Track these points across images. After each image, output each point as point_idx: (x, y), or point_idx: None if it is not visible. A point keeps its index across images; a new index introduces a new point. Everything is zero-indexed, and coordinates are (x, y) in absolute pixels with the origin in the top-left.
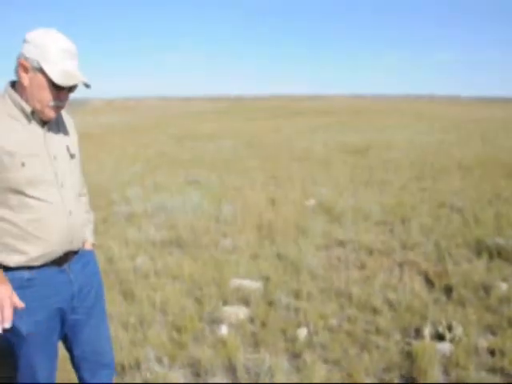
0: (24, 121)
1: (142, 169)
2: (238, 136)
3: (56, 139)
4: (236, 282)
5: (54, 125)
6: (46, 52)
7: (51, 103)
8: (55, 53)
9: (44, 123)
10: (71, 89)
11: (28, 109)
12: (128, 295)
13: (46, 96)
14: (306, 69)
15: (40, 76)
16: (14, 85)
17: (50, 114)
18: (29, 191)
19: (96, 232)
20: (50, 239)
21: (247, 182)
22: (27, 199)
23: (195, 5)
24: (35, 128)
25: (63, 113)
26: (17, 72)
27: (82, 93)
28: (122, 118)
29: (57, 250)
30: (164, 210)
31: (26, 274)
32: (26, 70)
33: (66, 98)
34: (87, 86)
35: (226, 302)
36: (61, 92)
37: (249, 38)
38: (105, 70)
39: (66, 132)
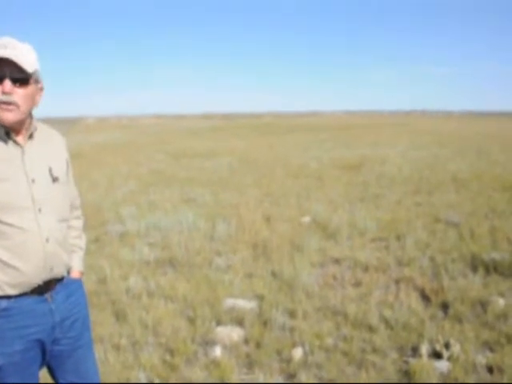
0: (1, 143)
1: (136, 187)
2: (233, 153)
3: (36, 161)
4: (230, 301)
5: (36, 145)
6: None
7: None
8: None
9: (23, 141)
10: (16, 81)
11: (1, 128)
12: (120, 316)
13: None
14: (298, 86)
15: None
16: None
17: (2, 114)
18: (2, 217)
19: (88, 252)
20: (26, 268)
21: (242, 200)
22: (0, 226)
23: (187, 20)
24: (12, 150)
25: (52, 132)
26: None
27: (75, 111)
28: (115, 135)
29: (33, 279)
30: (158, 229)
31: (2, 302)
32: None
33: (15, 93)
34: (24, 72)
35: (219, 323)
36: (4, 84)
37: (242, 56)
38: (97, 88)
39: (50, 153)
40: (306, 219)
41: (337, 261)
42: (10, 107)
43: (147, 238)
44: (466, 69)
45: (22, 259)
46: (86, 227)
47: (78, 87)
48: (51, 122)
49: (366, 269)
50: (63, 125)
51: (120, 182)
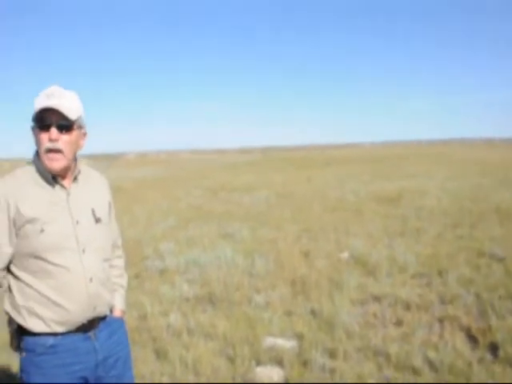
0: (47, 186)
1: (175, 222)
2: (271, 187)
3: (80, 203)
4: (269, 340)
5: (80, 187)
6: (34, 105)
7: (44, 147)
8: (39, 99)
9: (68, 184)
10: (62, 128)
11: (49, 173)
12: (161, 354)
13: (40, 143)
14: (335, 117)
15: (35, 128)
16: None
17: (48, 162)
18: (48, 257)
19: (129, 287)
20: (70, 306)
21: (280, 235)
22: (47, 265)
23: (222, 56)
24: (59, 193)
25: (95, 174)
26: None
27: (116, 147)
28: (154, 171)
29: (78, 317)
30: (197, 265)
31: (49, 340)
32: (34, 135)
33: (61, 140)
34: (68, 120)
35: (259, 362)
36: (50, 132)
37: (278, 90)
38: (138, 124)
39: (93, 194)
40: (345, 255)
41: (377, 298)
42: (57, 155)
43: (186, 274)
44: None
45: (66, 298)
46: (127, 263)
47: (119, 124)
48: (94, 158)
49: (407, 307)
50: (105, 160)
51: (159, 217)
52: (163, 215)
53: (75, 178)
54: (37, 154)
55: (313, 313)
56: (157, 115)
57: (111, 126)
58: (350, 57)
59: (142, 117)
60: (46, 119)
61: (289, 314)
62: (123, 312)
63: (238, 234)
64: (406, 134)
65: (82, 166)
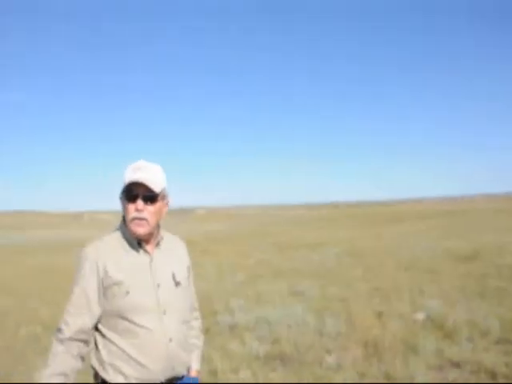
0: (132, 251)
1: (244, 278)
2: (339, 243)
3: (162, 267)
4: None
5: (161, 252)
6: (123, 177)
7: (131, 216)
8: (127, 173)
9: (151, 249)
10: (147, 200)
11: (134, 239)
12: None
13: (127, 212)
14: (402, 172)
15: (123, 199)
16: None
17: (134, 229)
18: (132, 318)
19: None
20: (150, 365)
21: (351, 293)
22: (130, 325)
23: (286, 110)
24: (142, 257)
25: (176, 239)
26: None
27: (187, 202)
28: (224, 225)
29: (157, 376)
30: (267, 322)
31: None
32: (121, 202)
33: (146, 210)
34: (153, 192)
35: None
36: (137, 203)
37: (344, 144)
38: (208, 180)
39: (174, 259)
40: (420, 316)
41: (456, 364)
42: (142, 222)
43: (256, 331)
44: None
45: (147, 357)
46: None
47: (190, 180)
48: (168, 212)
49: (492, 376)
50: (178, 215)
51: (229, 272)
52: (232, 270)
53: (158, 244)
54: (123, 221)
55: (387, 376)
56: (226, 171)
57: (183, 182)
58: (407, 113)
59: (212, 173)
60: (133, 191)
61: (361, 376)
62: (199, 373)
63: (307, 292)
64: (481, 187)
65: (165, 233)
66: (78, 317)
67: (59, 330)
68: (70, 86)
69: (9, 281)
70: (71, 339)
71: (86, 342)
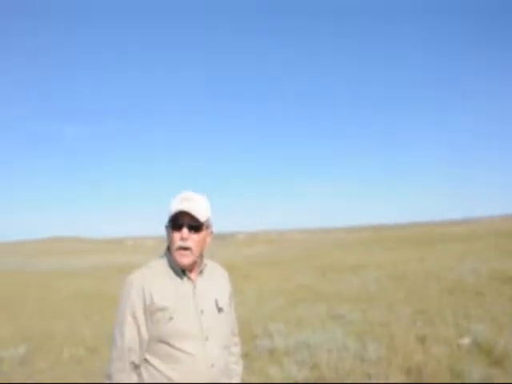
0: (177, 278)
1: (284, 302)
2: (381, 267)
3: (205, 294)
4: None
5: (204, 279)
6: (169, 207)
7: (176, 245)
8: (173, 202)
9: (194, 277)
10: (191, 229)
11: (178, 267)
12: None
13: (172, 241)
14: (446, 192)
15: (168, 228)
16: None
17: (179, 259)
18: (175, 343)
19: None
20: None
21: (393, 317)
22: (173, 351)
23: (325, 134)
24: (186, 284)
25: (218, 267)
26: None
27: (228, 228)
28: (264, 250)
29: None
30: (307, 346)
31: None
32: (167, 233)
33: (190, 239)
34: (197, 221)
35: None
36: (182, 232)
37: (386, 167)
38: (248, 205)
39: (216, 286)
40: (466, 341)
41: None
42: (186, 252)
43: (295, 355)
44: None
45: (189, 381)
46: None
47: (232, 206)
48: None
49: None
50: (217, 240)
51: (269, 296)
52: (272, 294)
53: (201, 272)
54: (168, 249)
55: None
56: (266, 195)
57: (222, 207)
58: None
59: (252, 197)
60: (179, 220)
61: None
62: None
63: (348, 316)
64: None
65: (208, 261)
66: (130, 343)
67: (118, 358)
68: (108, 113)
69: (54, 305)
70: (126, 362)
71: (137, 367)
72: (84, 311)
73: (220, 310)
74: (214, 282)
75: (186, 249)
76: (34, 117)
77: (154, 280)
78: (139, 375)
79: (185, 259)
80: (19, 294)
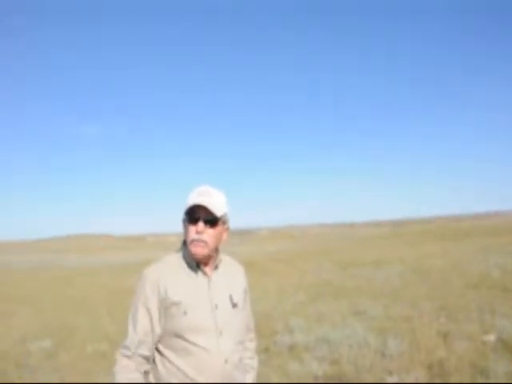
0: (192, 272)
1: (305, 297)
2: (403, 262)
3: (219, 289)
4: None
5: (219, 274)
6: (186, 201)
7: (191, 238)
8: (190, 197)
9: (210, 271)
10: (207, 223)
11: (193, 261)
12: None
13: (188, 234)
14: (471, 186)
15: (185, 221)
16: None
17: (193, 250)
18: (189, 337)
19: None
20: None
21: (415, 313)
22: (188, 345)
23: (348, 129)
24: (201, 279)
25: (234, 263)
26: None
27: (250, 223)
28: (285, 245)
29: None
30: (327, 342)
31: None
32: (184, 227)
33: (206, 233)
34: (213, 215)
35: None
36: (197, 225)
37: (411, 161)
38: (270, 201)
39: (231, 281)
40: (490, 337)
41: None
42: (201, 243)
43: (316, 351)
44: None
45: (203, 376)
46: (257, 336)
47: (253, 202)
48: (228, 233)
49: None
50: (240, 236)
51: (289, 292)
52: (293, 289)
53: (216, 267)
54: (184, 243)
55: None
56: (289, 191)
57: (245, 203)
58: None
59: (274, 193)
60: (195, 214)
61: None
62: None
63: (369, 312)
64: None
65: (224, 256)
66: (141, 335)
67: (125, 347)
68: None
69: (77, 301)
70: (135, 355)
71: (147, 359)
72: (107, 307)
73: (234, 305)
74: (229, 278)
75: (200, 241)
76: (53, 116)
77: (168, 274)
78: (154, 369)
79: (199, 249)
80: (44, 290)
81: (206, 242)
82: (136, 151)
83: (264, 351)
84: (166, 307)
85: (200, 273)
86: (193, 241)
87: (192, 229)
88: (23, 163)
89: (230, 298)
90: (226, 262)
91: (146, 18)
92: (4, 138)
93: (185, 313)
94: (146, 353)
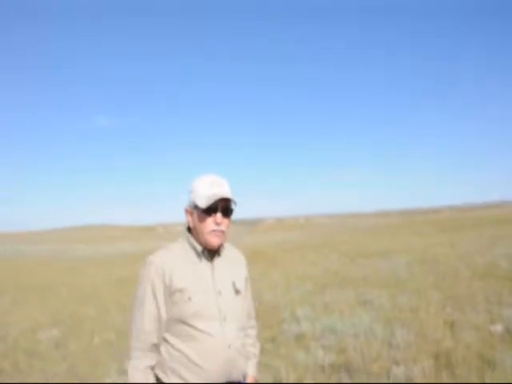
0: (196, 259)
1: (312, 287)
2: (410, 252)
3: (223, 275)
4: None
5: (222, 262)
6: (197, 191)
7: (210, 229)
8: (203, 187)
9: (213, 259)
10: (225, 212)
11: (199, 248)
12: None
13: (205, 225)
14: (478, 175)
15: (197, 211)
16: (189, 229)
17: (213, 240)
18: (194, 323)
19: (265, 351)
20: (209, 370)
21: (422, 303)
22: (192, 330)
23: (353, 119)
24: (205, 265)
25: (235, 250)
26: (187, 219)
27: (256, 213)
28: (292, 235)
29: (215, 380)
30: (333, 331)
31: None
32: (190, 214)
33: (223, 223)
34: (234, 203)
35: None
36: (216, 216)
37: (418, 151)
38: (277, 190)
39: (233, 268)
40: (498, 328)
41: None
42: (219, 234)
43: (322, 340)
44: None
45: (207, 361)
46: (264, 326)
47: (260, 191)
48: (235, 223)
49: None
50: (245, 226)
51: (296, 282)
52: (300, 279)
53: (219, 254)
54: (188, 230)
55: None
56: (295, 180)
57: (251, 192)
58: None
59: (282, 182)
60: (215, 205)
61: None
62: (255, 379)
63: (376, 301)
64: None
65: (225, 244)
66: (149, 322)
67: (135, 338)
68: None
69: (86, 291)
70: (146, 342)
71: (157, 346)
72: (115, 297)
73: (237, 291)
74: (231, 265)
75: (219, 231)
76: (69, 107)
77: (173, 261)
78: (159, 354)
79: (218, 240)
80: (53, 280)
81: (223, 232)
82: (147, 142)
83: (271, 340)
84: (171, 293)
85: (204, 260)
86: (212, 231)
87: (209, 219)
88: (35, 154)
89: (233, 284)
90: (227, 248)
91: (161, 12)
92: (19, 130)
93: (189, 299)
94: (155, 340)
